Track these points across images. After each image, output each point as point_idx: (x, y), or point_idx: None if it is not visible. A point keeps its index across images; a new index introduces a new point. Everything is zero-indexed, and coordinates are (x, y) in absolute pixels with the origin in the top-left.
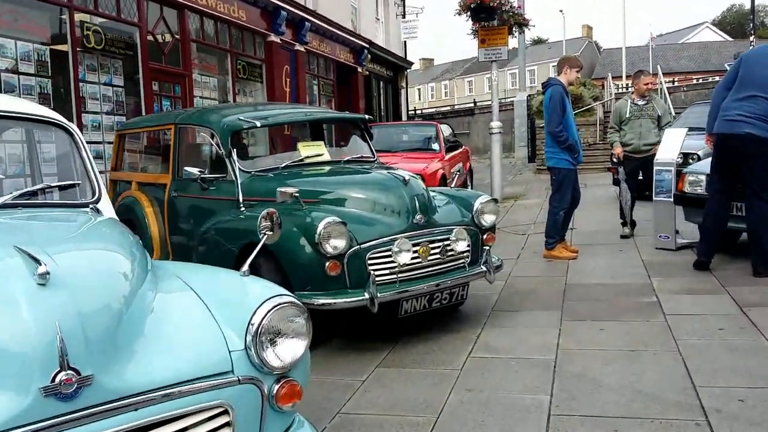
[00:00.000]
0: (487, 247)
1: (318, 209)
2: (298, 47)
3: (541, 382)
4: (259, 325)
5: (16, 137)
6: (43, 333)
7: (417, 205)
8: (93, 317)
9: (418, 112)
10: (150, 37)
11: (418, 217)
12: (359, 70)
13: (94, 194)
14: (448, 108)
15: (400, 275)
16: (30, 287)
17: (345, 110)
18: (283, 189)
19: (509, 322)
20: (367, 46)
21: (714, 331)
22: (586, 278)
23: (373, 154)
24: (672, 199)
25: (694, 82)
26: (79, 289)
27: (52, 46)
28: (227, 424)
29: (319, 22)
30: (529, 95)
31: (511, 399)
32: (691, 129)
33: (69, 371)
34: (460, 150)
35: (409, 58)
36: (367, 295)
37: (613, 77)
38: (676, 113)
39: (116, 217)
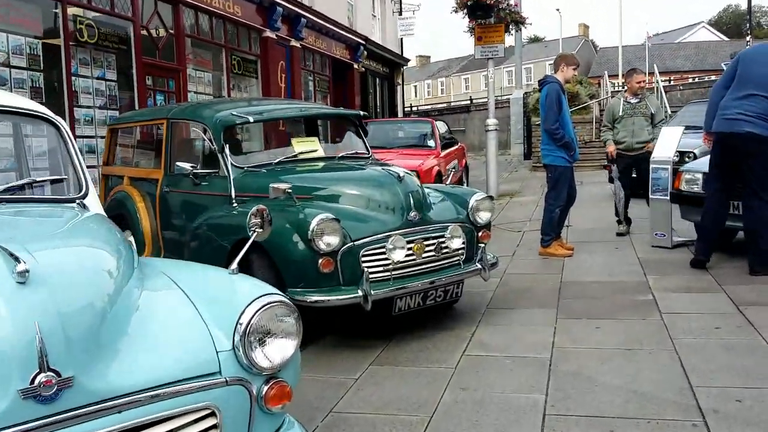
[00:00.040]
0: (483, 245)
1: (311, 205)
2: (294, 43)
3: (536, 381)
4: (248, 324)
5: (2, 131)
6: (21, 333)
7: (412, 201)
8: (74, 316)
9: (414, 109)
10: (144, 32)
11: (412, 214)
12: (355, 66)
13: (81, 189)
14: (444, 105)
15: (394, 272)
16: (8, 286)
17: (340, 107)
18: (276, 185)
19: (504, 320)
20: (364, 42)
21: (710, 329)
22: (582, 276)
23: (368, 151)
24: (668, 198)
25: (690, 81)
26: (60, 287)
27: (45, 40)
28: (214, 427)
29: (316, 18)
30: (526, 93)
31: (505, 398)
32: (687, 127)
33: (49, 372)
34: (456, 147)
35: (405, 55)
36: (360, 293)
37: (609, 76)
38: (672, 112)
39: (103, 213)
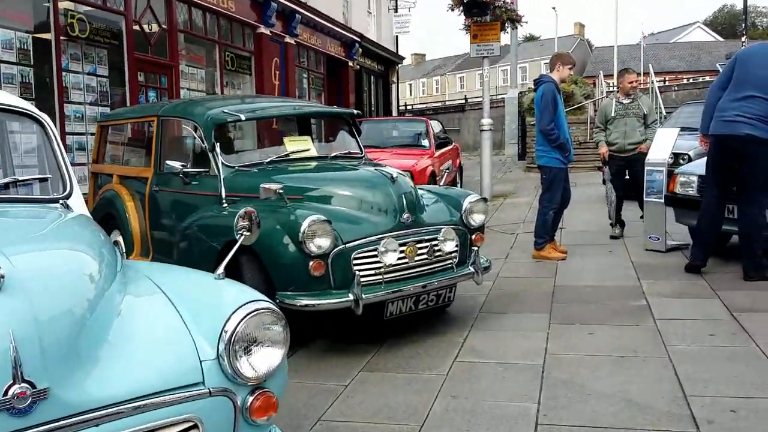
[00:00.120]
0: (476, 248)
1: (302, 206)
2: (288, 40)
3: (528, 389)
4: (233, 332)
5: None
6: None
7: (404, 203)
8: (51, 324)
9: (409, 107)
10: (136, 27)
11: (405, 216)
12: (350, 64)
13: (65, 189)
14: (439, 104)
15: (385, 276)
16: None
17: (335, 105)
18: (266, 185)
19: (497, 325)
20: (359, 39)
21: (704, 336)
22: (575, 280)
23: (361, 150)
24: (663, 200)
25: (685, 81)
26: (37, 293)
27: (35, 35)
28: None
29: (310, 15)
30: (521, 92)
31: (497, 407)
32: (682, 129)
33: (23, 384)
34: (450, 147)
35: (400, 52)
36: (351, 297)
37: (604, 75)
38: (666, 113)
39: (87, 214)
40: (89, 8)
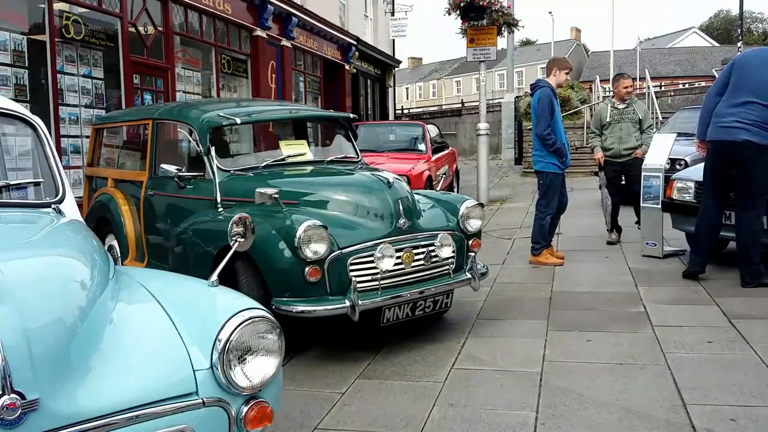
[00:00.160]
0: (473, 253)
1: (298, 211)
2: (285, 43)
3: (526, 397)
4: (227, 341)
5: None
6: None
7: (401, 208)
8: (42, 333)
9: (406, 111)
10: (132, 29)
11: (401, 221)
12: (346, 67)
13: (57, 193)
14: (436, 108)
15: (382, 282)
16: None
17: (331, 108)
18: (262, 190)
19: (494, 332)
20: (355, 43)
21: (703, 344)
22: (573, 286)
23: (358, 155)
24: (660, 206)
25: (681, 86)
26: (27, 301)
27: (30, 36)
28: None
29: (307, 18)
30: (517, 96)
31: (495, 415)
32: (679, 134)
33: (12, 395)
34: (447, 151)
35: (397, 56)
36: (348, 303)
37: (601, 80)
38: (663, 118)
39: (80, 219)
40: (85, 10)
